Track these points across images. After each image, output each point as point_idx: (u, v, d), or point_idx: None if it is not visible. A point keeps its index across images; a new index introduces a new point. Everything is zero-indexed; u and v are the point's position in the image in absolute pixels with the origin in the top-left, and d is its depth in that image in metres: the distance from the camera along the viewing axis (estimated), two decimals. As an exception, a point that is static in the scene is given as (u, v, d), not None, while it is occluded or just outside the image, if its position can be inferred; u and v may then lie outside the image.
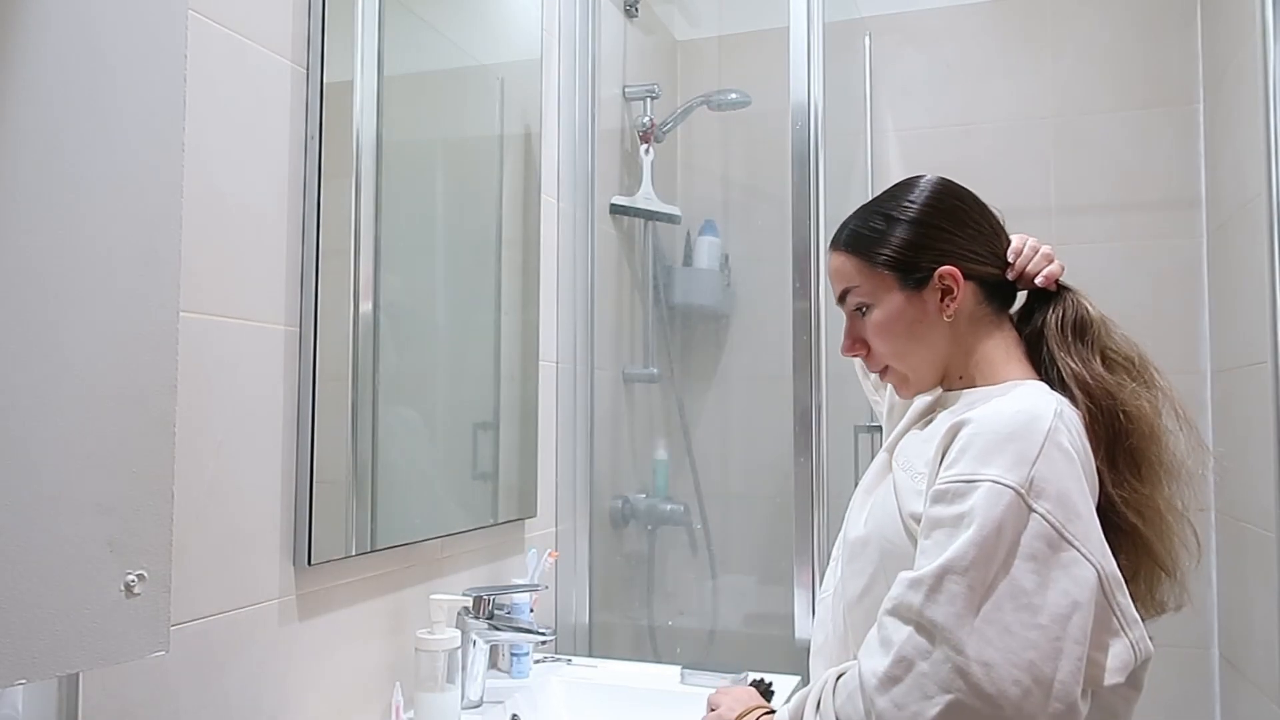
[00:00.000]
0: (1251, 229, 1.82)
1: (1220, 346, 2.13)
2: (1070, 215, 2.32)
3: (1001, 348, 1.07)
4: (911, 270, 1.07)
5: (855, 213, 1.14)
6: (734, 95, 2.36)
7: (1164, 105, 2.25)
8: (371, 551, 1.34)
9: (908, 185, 1.11)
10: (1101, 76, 2.31)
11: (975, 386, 1.07)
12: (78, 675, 0.90)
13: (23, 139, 0.70)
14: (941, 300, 1.06)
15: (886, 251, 1.08)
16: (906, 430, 1.13)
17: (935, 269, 1.06)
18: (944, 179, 1.11)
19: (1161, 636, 0.99)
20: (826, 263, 1.17)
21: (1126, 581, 0.92)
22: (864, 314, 1.11)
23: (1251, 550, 1.90)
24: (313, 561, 1.21)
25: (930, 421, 1.09)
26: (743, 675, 1.57)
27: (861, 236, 1.11)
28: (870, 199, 1.14)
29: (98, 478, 0.75)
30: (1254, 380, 1.79)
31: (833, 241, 1.15)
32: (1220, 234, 2.13)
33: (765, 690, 1.46)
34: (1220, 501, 2.12)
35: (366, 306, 1.33)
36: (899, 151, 2.45)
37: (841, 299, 1.13)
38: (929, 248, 1.07)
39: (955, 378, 1.10)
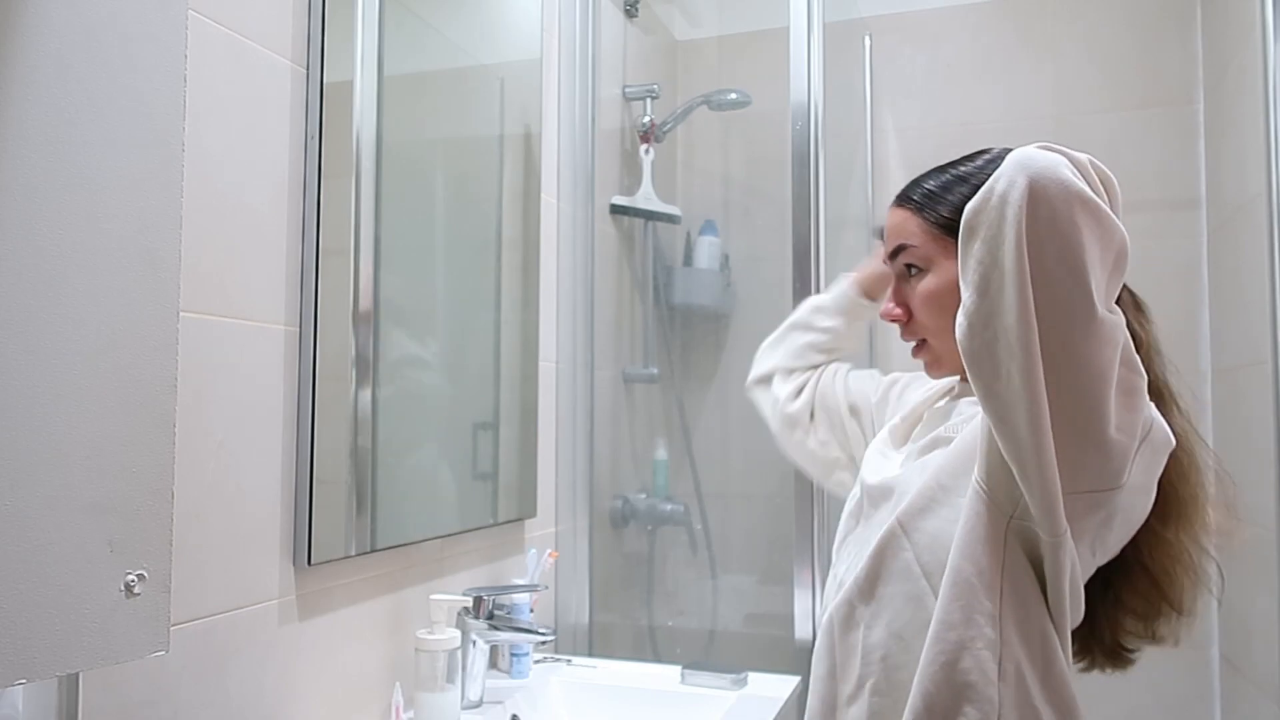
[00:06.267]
0: (1251, 229, 1.82)
1: (1220, 346, 2.13)
2: (1070, 215, 2.30)
3: None
4: None
5: (926, 172, 1.07)
6: (734, 95, 2.36)
7: (1164, 105, 2.25)
8: (371, 552, 1.34)
9: (984, 151, 1.05)
10: (1101, 76, 2.30)
11: None
12: (78, 675, 0.90)
13: (22, 139, 0.70)
14: None
15: (951, 213, 1.00)
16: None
17: None
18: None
19: (1161, 637, 0.99)
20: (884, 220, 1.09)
21: (1131, 615, 0.94)
22: (912, 275, 1.04)
23: (1251, 550, 1.89)
24: (313, 561, 1.21)
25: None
26: (742, 675, 1.57)
27: (928, 193, 1.04)
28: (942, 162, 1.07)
29: (97, 477, 0.75)
30: (1254, 380, 1.78)
31: (896, 196, 1.07)
32: (1220, 234, 2.13)
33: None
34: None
35: (366, 306, 1.33)
36: (899, 151, 2.44)
37: (893, 256, 1.06)
38: None
39: None
